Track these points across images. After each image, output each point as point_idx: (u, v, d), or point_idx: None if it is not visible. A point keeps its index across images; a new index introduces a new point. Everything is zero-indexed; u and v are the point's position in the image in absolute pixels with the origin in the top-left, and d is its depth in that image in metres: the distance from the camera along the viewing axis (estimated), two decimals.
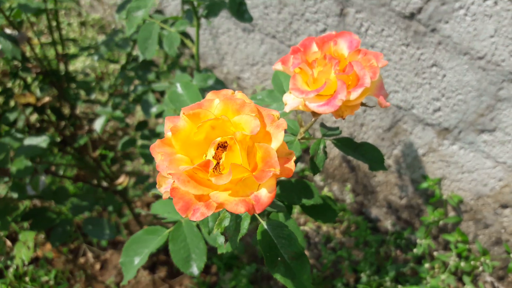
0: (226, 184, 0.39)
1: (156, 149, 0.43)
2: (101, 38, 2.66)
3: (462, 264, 1.98)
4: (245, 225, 0.50)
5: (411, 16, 1.64)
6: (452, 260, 1.99)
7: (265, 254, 0.50)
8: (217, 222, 0.49)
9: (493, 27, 1.49)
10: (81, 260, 2.18)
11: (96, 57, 1.38)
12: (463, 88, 1.67)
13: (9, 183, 1.16)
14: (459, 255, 2.04)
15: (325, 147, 0.61)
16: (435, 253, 2.06)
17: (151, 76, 1.32)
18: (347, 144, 0.59)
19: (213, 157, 0.43)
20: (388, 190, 2.18)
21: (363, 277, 2.02)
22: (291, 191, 0.59)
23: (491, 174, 1.78)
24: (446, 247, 2.12)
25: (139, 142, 1.53)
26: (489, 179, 1.80)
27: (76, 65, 2.39)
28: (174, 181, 0.41)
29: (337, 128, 0.63)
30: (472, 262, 1.97)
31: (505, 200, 1.80)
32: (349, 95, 0.46)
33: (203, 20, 2.08)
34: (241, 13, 0.94)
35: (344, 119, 0.49)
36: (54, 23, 1.45)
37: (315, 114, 0.51)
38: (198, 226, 0.65)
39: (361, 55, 0.50)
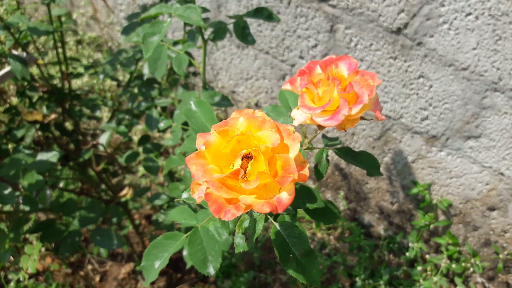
0: (253, 189, 0.46)
1: (192, 160, 0.50)
2: (97, 56, 2.72)
3: (453, 266, 2.05)
4: (259, 226, 0.57)
5: (398, 31, 1.73)
6: (443, 262, 2.07)
7: (278, 252, 0.57)
8: (238, 224, 0.56)
9: (475, 40, 1.58)
10: (81, 272, 2.22)
11: (101, 76, 1.44)
12: (449, 98, 1.76)
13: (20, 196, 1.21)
14: (450, 257, 2.12)
15: (327, 155, 0.68)
16: (427, 256, 2.13)
17: (154, 92, 1.39)
18: (346, 153, 0.66)
19: (240, 166, 0.50)
20: (380, 196, 2.26)
21: (358, 281, 2.08)
22: (296, 196, 0.66)
23: (478, 179, 1.87)
24: (437, 250, 2.20)
25: (142, 155, 1.59)
26: (477, 183, 1.88)
27: (76, 83, 2.45)
28: (208, 187, 0.48)
29: (337, 138, 0.70)
30: (463, 264, 2.05)
31: (492, 203, 1.88)
32: (350, 110, 0.54)
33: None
34: (244, 36, 1.01)
35: (346, 131, 0.56)
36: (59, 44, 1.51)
37: (320, 127, 0.58)
38: (213, 230, 0.71)
39: (359, 76, 0.57)
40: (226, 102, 1.03)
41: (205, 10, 0.89)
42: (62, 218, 1.36)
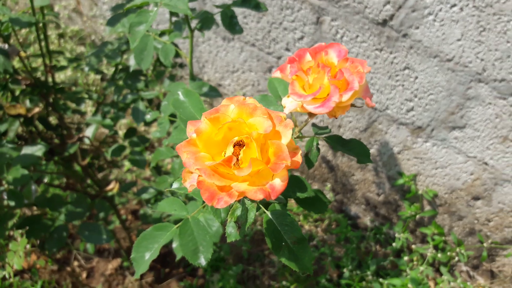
0: (245, 176, 0.46)
1: (182, 148, 0.50)
2: (80, 49, 2.68)
3: (439, 255, 2.08)
4: (251, 215, 0.56)
5: (384, 22, 1.74)
6: (429, 252, 2.10)
7: (271, 240, 0.57)
8: (230, 212, 0.55)
9: (460, 31, 1.60)
10: (67, 269, 2.19)
11: (86, 68, 1.42)
12: (434, 89, 1.77)
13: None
14: (436, 247, 2.14)
15: (317, 144, 0.68)
16: (413, 246, 2.16)
17: (140, 84, 1.37)
18: (337, 141, 0.67)
19: (232, 153, 0.50)
20: (366, 187, 2.27)
21: (346, 272, 2.10)
22: (287, 185, 0.65)
23: (463, 169, 1.89)
24: (423, 240, 2.22)
25: (128, 149, 1.57)
26: (461, 173, 1.91)
27: (60, 77, 2.41)
28: (200, 175, 0.47)
29: (327, 127, 0.70)
30: (448, 253, 2.08)
31: (477, 192, 1.91)
32: (341, 97, 0.54)
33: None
34: (232, 25, 1.00)
35: (336, 118, 0.56)
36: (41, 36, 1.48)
37: (311, 114, 0.58)
38: (204, 221, 0.71)
39: (349, 63, 0.57)
40: (214, 93, 1.03)
41: None
42: (47, 213, 1.34)
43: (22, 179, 1.11)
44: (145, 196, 1.42)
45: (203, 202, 0.88)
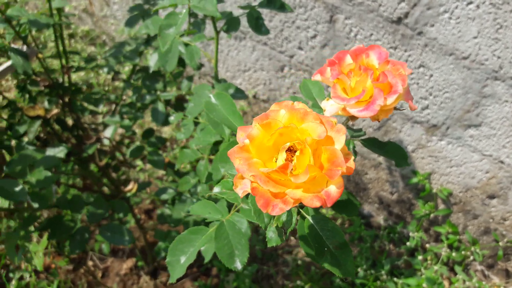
0: (301, 182, 0.46)
1: (235, 154, 0.49)
2: (90, 49, 2.68)
3: (454, 254, 2.08)
4: (293, 220, 0.56)
5: (399, 20, 1.73)
6: (443, 251, 2.09)
7: (314, 246, 0.56)
8: (276, 218, 0.55)
9: (476, 29, 1.59)
10: (82, 269, 2.20)
11: (106, 69, 1.42)
12: (449, 87, 1.76)
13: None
14: (450, 246, 2.14)
15: (354, 147, 0.68)
16: (427, 245, 2.15)
17: (159, 85, 1.37)
18: (374, 144, 0.66)
19: (285, 159, 0.50)
20: (380, 186, 2.27)
21: (360, 271, 2.10)
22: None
23: (478, 167, 1.88)
24: (437, 239, 2.22)
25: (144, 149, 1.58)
26: (477, 172, 1.90)
27: (72, 77, 2.41)
28: (253, 182, 0.47)
29: (361, 129, 0.70)
30: (462, 252, 2.07)
31: (492, 191, 1.90)
32: (385, 100, 0.53)
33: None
34: (258, 26, 1.00)
35: (379, 121, 0.56)
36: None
37: (353, 118, 0.58)
38: (238, 223, 0.70)
39: (390, 65, 0.57)
40: (240, 95, 1.02)
41: (220, 1, 0.88)
42: (66, 214, 1.34)
43: (46, 181, 1.11)
44: (164, 196, 1.42)
45: (230, 204, 0.88)
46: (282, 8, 1.00)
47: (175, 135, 2.49)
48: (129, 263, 2.22)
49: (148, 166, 2.41)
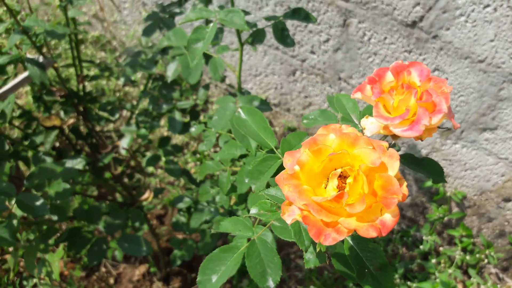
0: (356, 212, 0.45)
1: (284, 181, 0.48)
2: (100, 55, 2.67)
3: (468, 257, 2.06)
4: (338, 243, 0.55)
5: (413, 24, 1.71)
6: (457, 254, 2.08)
7: (355, 267, 0.55)
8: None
9: (493, 32, 1.57)
10: (96, 275, 2.19)
11: (122, 79, 1.41)
12: (465, 90, 1.75)
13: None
14: (464, 249, 2.12)
15: None
16: (440, 249, 2.14)
17: (175, 94, 1.36)
18: (410, 160, 0.65)
19: (337, 186, 0.48)
20: None
21: None
22: None
23: (493, 170, 1.87)
24: (451, 242, 2.20)
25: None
26: (492, 175, 1.88)
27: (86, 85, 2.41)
28: (304, 210, 0.46)
29: (395, 144, 0.69)
30: (477, 255, 2.06)
31: (508, 194, 1.89)
32: (430, 120, 0.52)
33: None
34: (284, 38, 0.99)
35: (422, 140, 0.55)
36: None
37: (395, 137, 0.57)
38: (270, 241, 0.69)
39: (432, 83, 0.56)
40: (265, 107, 1.01)
41: (246, 13, 0.87)
42: (83, 225, 1.33)
43: (64, 193, 1.10)
44: (180, 205, 1.41)
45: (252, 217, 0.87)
46: (307, 18, 0.98)
47: (186, 140, 2.48)
48: (141, 269, 2.22)
49: (160, 171, 2.40)
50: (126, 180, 2.01)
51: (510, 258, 2.05)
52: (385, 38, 1.82)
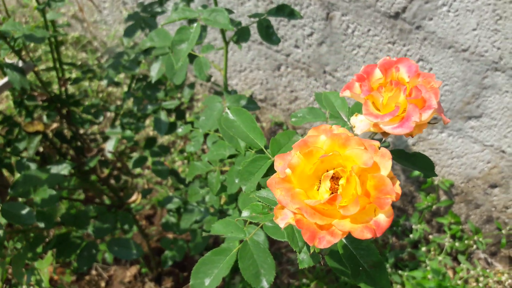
0: (350, 214, 0.44)
1: (276, 185, 0.48)
2: (81, 56, 2.63)
3: (457, 244, 2.09)
4: None
5: (396, 15, 1.72)
6: (446, 241, 2.10)
7: (349, 266, 0.55)
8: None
9: (475, 21, 1.58)
10: (86, 278, 2.17)
11: (105, 81, 1.38)
12: (449, 79, 1.76)
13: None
14: (453, 236, 2.15)
15: None
16: (430, 237, 2.16)
17: (160, 94, 1.35)
18: (400, 155, 0.65)
19: (329, 188, 0.48)
20: None
21: None
22: None
23: (479, 158, 1.88)
24: (440, 229, 2.23)
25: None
26: (478, 162, 1.90)
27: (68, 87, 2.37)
28: (297, 214, 0.45)
29: (384, 140, 0.68)
30: (466, 242, 2.08)
31: (494, 180, 1.91)
32: (420, 116, 0.52)
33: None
34: (269, 35, 0.98)
35: (413, 137, 0.55)
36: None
37: (385, 134, 0.56)
38: (262, 242, 0.69)
39: (421, 78, 0.55)
40: (252, 106, 1.00)
41: (230, 12, 0.85)
42: (71, 231, 1.31)
43: (51, 199, 1.08)
44: (170, 206, 1.40)
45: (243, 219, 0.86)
46: (292, 15, 0.98)
47: (172, 139, 2.46)
48: (132, 270, 2.20)
49: (147, 171, 2.38)
50: (112, 182, 1.98)
51: (498, 243, 2.08)
52: (369, 30, 1.82)
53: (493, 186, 1.94)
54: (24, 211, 0.96)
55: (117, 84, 1.46)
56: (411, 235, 2.15)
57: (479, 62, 1.66)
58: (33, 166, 1.23)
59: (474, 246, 2.06)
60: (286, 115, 2.37)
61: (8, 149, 1.35)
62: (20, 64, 1.29)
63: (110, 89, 2.43)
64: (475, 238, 2.07)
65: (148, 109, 1.33)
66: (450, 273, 2.15)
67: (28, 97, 1.34)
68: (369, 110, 0.54)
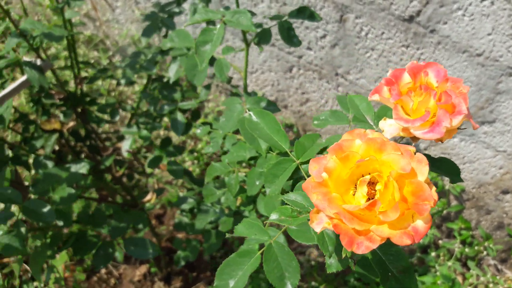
0: (389, 221, 0.44)
1: (312, 189, 0.48)
2: (92, 54, 2.64)
3: (467, 250, 2.08)
4: None
5: (411, 19, 1.72)
6: (456, 247, 2.09)
7: (378, 271, 0.55)
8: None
9: (491, 25, 1.58)
10: (95, 277, 2.18)
11: (123, 81, 1.39)
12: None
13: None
14: (463, 242, 2.14)
15: None
16: (440, 242, 2.16)
17: (177, 95, 1.35)
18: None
19: (366, 193, 0.48)
20: None
21: None
22: None
23: (491, 163, 1.88)
24: (450, 235, 2.22)
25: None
26: (490, 168, 1.90)
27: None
28: (334, 218, 0.45)
29: (410, 144, 0.68)
30: (476, 248, 2.08)
31: (506, 186, 1.90)
32: (451, 122, 0.52)
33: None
34: (290, 37, 0.99)
35: (442, 142, 0.55)
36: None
37: (415, 139, 0.57)
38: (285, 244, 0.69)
39: (449, 83, 0.56)
40: (272, 108, 1.00)
41: (252, 14, 0.86)
42: (87, 229, 1.32)
43: (69, 198, 1.09)
44: (184, 206, 1.40)
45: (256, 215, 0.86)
46: (312, 17, 0.98)
47: (182, 139, 2.46)
48: (142, 269, 2.21)
49: (157, 171, 2.39)
50: (125, 181, 1.99)
51: (509, 250, 2.07)
52: (383, 33, 1.82)
53: (505, 192, 1.94)
54: (45, 209, 0.96)
55: (132, 83, 1.47)
56: (420, 240, 2.15)
57: (493, 67, 1.65)
58: (50, 164, 1.24)
59: (484, 252, 2.06)
60: (297, 117, 2.37)
61: (25, 147, 1.36)
62: (38, 62, 1.30)
63: (121, 88, 2.44)
64: (486, 244, 2.06)
65: (164, 109, 1.34)
66: (459, 279, 2.15)
67: (46, 95, 1.35)
68: (399, 114, 0.54)
